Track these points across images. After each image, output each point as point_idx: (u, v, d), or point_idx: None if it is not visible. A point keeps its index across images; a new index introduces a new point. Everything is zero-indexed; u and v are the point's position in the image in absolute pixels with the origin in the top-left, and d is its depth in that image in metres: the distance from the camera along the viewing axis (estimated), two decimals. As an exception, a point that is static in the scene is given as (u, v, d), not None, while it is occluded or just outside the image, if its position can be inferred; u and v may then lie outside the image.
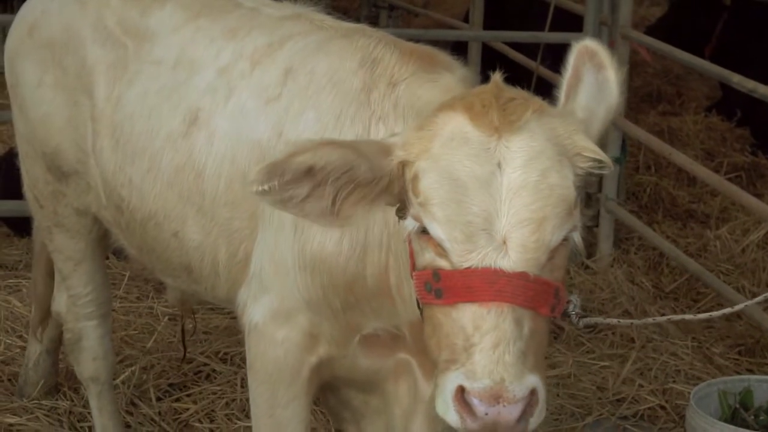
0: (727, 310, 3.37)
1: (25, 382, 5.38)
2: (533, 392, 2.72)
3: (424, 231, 2.84)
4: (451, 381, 2.74)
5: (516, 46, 8.65)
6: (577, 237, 2.87)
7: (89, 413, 5.07)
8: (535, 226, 2.77)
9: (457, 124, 2.85)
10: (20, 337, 5.84)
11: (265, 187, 2.83)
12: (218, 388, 5.50)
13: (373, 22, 10.10)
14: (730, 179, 7.94)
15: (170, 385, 5.56)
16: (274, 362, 3.62)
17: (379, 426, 3.85)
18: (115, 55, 4.10)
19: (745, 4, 9.62)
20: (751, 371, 5.87)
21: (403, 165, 2.89)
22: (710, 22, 9.71)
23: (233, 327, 5.88)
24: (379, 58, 3.51)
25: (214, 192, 3.76)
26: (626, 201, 7.89)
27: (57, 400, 5.37)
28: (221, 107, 3.78)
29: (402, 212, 2.94)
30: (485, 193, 2.77)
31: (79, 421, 5.25)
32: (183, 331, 5.28)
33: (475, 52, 8.91)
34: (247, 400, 3.95)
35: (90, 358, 4.79)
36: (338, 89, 3.51)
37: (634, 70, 10.43)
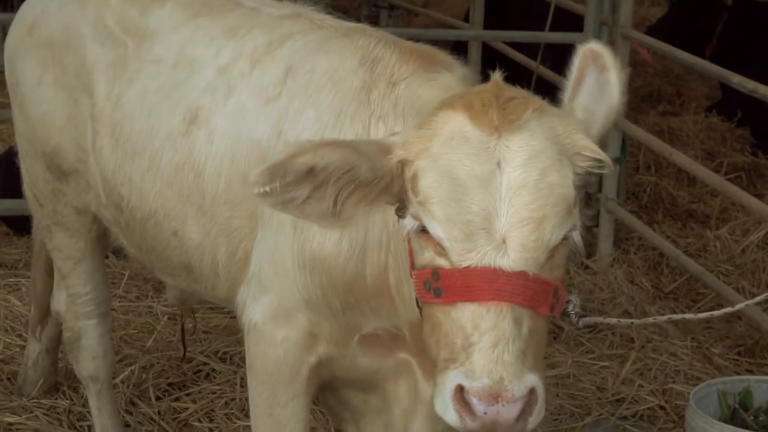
0: (728, 310, 3.37)
1: (25, 381, 5.38)
2: (532, 391, 2.72)
3: (423, 230, 2.84)
4: (450, 380, 2.74)
5: (516, 45, 8.65)
6: (576, 236, 2.87)
7: (88, 412, 5.07)
8: (535, 225, 2.77)
9: (456, 123, 2.85)
10: (19, 335, 5.84)
11: (267, 188, 2.82)
12: (218, 387, 5.50)
13: (374, 21, 10.10)
14: (730, 179, 7.94)
15: (170, 384, 5.56)
16: (274, 362, 3.62)
17: (378, 426, 3.84)
18: (115, 54, 4.10)
19: (745, 4, 9.62)
20: (750, 372, 5.87)
21: (403, 164, 2.89)
22: (710, 22, 9.71)
23: (233, 326, 5.88)
24: (379, 57, 3.51)
25: (213, 191, 3.76)
26: (626, 201, 7.90)
27: (56, 399, 5.37)
28: (221, 106, 3.78)
29: (401, 211, 2.94)
30: (485, 192, 2.77)
31: (78, 420, 5.24)
32: (183, 330, 5.28)
33: (475, 51, 8.91)
34: (247, 399, 3.95)
35: (89, 357, 4.79)
36: (338, 88, 3.51)
37: (635, 70, 10.42)
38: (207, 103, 3.81)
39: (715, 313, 3.42)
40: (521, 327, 2.74)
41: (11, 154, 5.68)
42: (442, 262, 2.81)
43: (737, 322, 6.45)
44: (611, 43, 7.10)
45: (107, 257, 6.12)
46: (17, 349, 5.73)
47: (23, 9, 4.50)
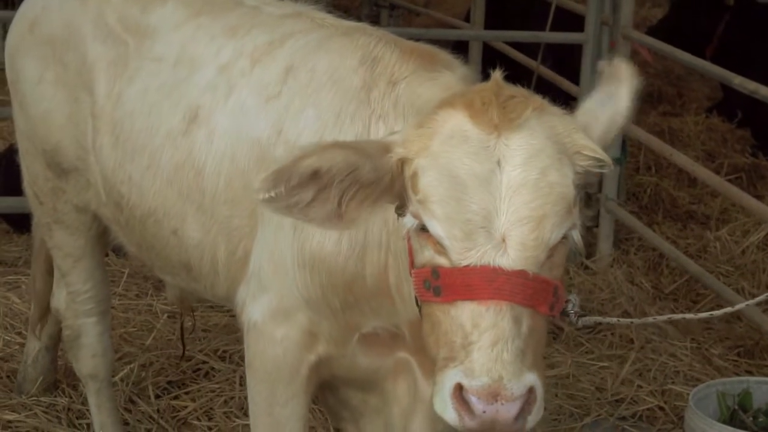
0: (728, 310, 3.37)
1: (24, 379, 5.38)
2: (531, 390, 2.72)
3: (423, 228, 2.84)
4: (449, 379, 2.74)
5: (517, 45, 8.65)
6: (576, 235, 2.87)
7: (88, 410, 5.06)
8: (535, 224, 2.77)
9: (456, 121, 2.85)
10: (19, 333, 5.84)
11: (272, 194, 2.83)
12: (217, 386, 5.50)
13: (375, 21, 10.10)
14: (730, 180, 7.94)
15: (169, 382, 5.56)
16: (273, 361, 3.62)
17: (377, 425, 3.84)
18: (116, 52, 4.10)
19: (746, 5, 9.61)
20: (750, 373, 5.87)
21: (403, 162, 2.89)
22: (711, 23, 9.70)
23: (232, 325, 5.88)
24: (380, 56, 3.51)
25: (213, 190, 3.76)
26: (626, 201, 7.89)
27: (56, 397, 5.37)
28: (221, 105, 3.78)
29: (401, 210, 2.94)
30: (485, 191, 2.77)
31: (77, 418, 5.24)
32: (182, 328, 5.28)
33: (476, 51, 8.91)
34: (246, 398, 3.95)
35: (89, 355, 4.79)
36: (338, 87, 3.51)
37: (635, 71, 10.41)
38: (207, 101, 3.81)
39: (715, 313, 3.42)
40: (520, 326, 2.74)
41: (11, 152, 5.68)
42: (441, 261, 2.81)
43: (737, 323, 6.45)
44: (612, 44, 7.11)
45: (107, 255, 6.12)
46: (17, 346, 5.73)
47: (24, 6, 4.50)
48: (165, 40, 4.02)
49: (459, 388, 2.71)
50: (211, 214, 3.78)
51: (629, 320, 3.56)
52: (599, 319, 3.34)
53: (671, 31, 9.47)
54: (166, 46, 4.00)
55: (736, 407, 4.75)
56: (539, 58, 7.72)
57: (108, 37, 4.13)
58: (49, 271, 5.08)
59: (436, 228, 2.80)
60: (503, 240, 2.76)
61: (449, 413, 2.74)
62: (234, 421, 5.23)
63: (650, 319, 3.47)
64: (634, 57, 8.31)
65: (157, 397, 5.43)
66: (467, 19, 9.65)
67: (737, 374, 5.81)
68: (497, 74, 2.97)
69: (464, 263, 2.76)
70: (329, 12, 3.92)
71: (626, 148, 7.73)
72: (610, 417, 5.48)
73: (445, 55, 3.51)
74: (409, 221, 2.88)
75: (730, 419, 4.71)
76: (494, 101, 2.85)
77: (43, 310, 5.22)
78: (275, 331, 3.59)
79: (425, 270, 2.85)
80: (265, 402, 3.69)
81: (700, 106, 10.43)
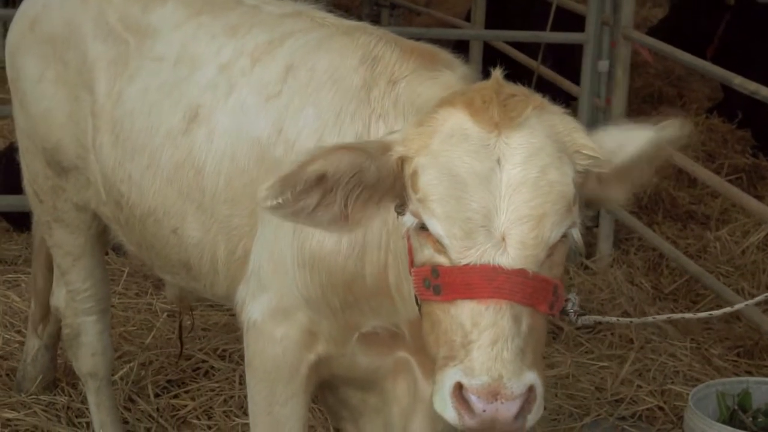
0: (727, 310, 3.37)
1: (24, 377, 5.38)
2: (531, 389, 2.72)
3: (422, 227, 2.84)
4: (449, 377, 2.74)
5: (517, 45, 8.66)
6: (576, 234, 2.87)
7: (87, 409, 5.06)
8: (534, 222, 2.77)
9: (456, 120, 2.85)
10: (18, 332, 5.84)
11: (279, 200, 2.83)
12: (216, 385, 5.50)
13: (375, 20, 10.09)
14: (730, 181, 7.94)
15: (168, 381, 5.56)
16: (273, 360, 3.62)
17: (377, 424, 3.84)
18: (117, 51, 4.10)
19: (747, 5, 9.61)
20: (749, 373, 5.87)
21: (403, 160, 2.89)
22: (712, 23, 9.69)
23: (232, 324, 5.87)
24: (380, 55, 3.51)
25: (213, 189, 3.76)
26: (626, 201, 7.87)
27: (55, 395, 5.36)
28: (222, 104, 3.78)
29: (401, 208, 2.94)
30: (484, 190, 2.77)
31: (77, 417, 5.24)
32: (180, 327, 5.28)
33: (476, 51, 8.91)
34: (246, 397, 3.95)
35: (89, 354, 4.79)
36: (338, 86, 3.51)
37: (636, 71, 10.42)
38: (207, 100, 3.81)
39: (715, 312, 3.42)
40: (520, 325, 2.74)
41: (12, 150, 5.68)
42: (441, 260, 2.81)
43: (736, 323, 6.45)
44: (612, 44, 7.11)
45: (107, 254, 6.12)
46: (16, 345, 5.73)
47: (25, 5, 4.50)
48: (165, 39, 4.02)
49: (459, 387, 2.71)
50: (211, 213, 3.78)
51: (629, 320, 3.56)
52: (599, 318, 3.34)
53: (672, 31, 9.46)
54: (166, 45, 4.01)
55: (736, 407, 4.74)
56: (540, 58, 7.73)
57: (109, 36, 4.13)
58: (50, 270, 5.08)
59: (435, 227, 2.80)
60: (503, 239, 2.76)
61: (449, 412, 2.74)
62: (234, 420, 5.23)
63: (650, 319, 3.47)
64: (635, 57, 8.32)
65: (157, 395, 5.43)
66: (468, 18, 9.65)
67: (737, 374, 5.81)
68: (498, 73, 2.97)
69: (464, 262, 2.76)
70: (330, 11, 3.93)
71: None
72: (610, 417, 5.48)
73: (445, 55, 3.51)
74: (408, 220, 2.88)
75: (730, 419, 4.71)
76: (495, 99, 2.85)
77: (45, 309, 5.22)
78: (275, 330, 3.59)
79: (425, 269, 2.84)
80: (265, 401, 3.69)
81: (700, 107, 10.43)
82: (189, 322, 5.37)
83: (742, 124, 9.64)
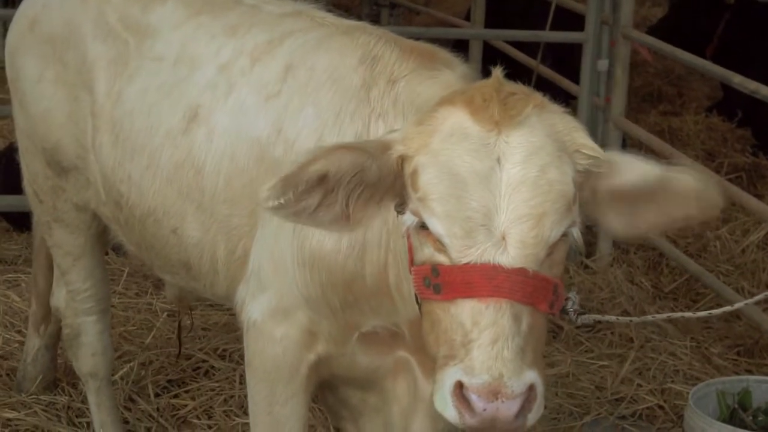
0: (727, 308, 3.37)
1: (24, 377, 5.38)
2: (531, 388, 2.72)
3: (423, 226, 2.84)
4: (449, 376, 2.74)
5: (517, 44, 8.66)
6: (576, 233, 2.87)
7: (87, 409, 5.06)
8: (534, 221, 2.77)
9: (457, 119, 2.85)
10: (19, 331, 5.84)
11: (281, 201, 2.83)
12: (216, 384, 5.50)
13: (375, 20, 10.09)
14: (730, 180, 7.94)
15: (168, 381, 5.56)
16: (273, 359, 3.62)
17: (377, 424, 3.84)
18: (116, 51, 4.10)
19: (747, 4, 9.61)
20: (749, 372, 5.87)
21: (403, 160, 2.89)
22: (712, 22, 9.69)
23: (232, 324, 5.87)
24: (380, 55, 3.51)
25: (213, 189, 3.76)
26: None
27: (55, 395, 5.36)
28: (221, 104, 3.78)
29: (401, 207, 2.94)
30: (484, 189, 2.77)
31: (77, 417, 5.24)
32: (179, 327, 5.28)
33: (476, 50, 8.92)
34: (246, 396, 3.95)
35: (89, 354, 4.79)
36: (338, 86, 3.51)
37: (635, 70, 10.42)
38: (207, 100, 3.81)
39: (714, 311, 3.42)
40: (520, 324, 2.74)
41: (11, 150, 5.68)
42: (441, 259, 2.81)
43: (736, 321, 6.45)
44: (612, 43, 7.11)
45: (107, 254, 6.12)
46: (16, 345, 5.73)
47: (24, 5, 4.50)
48: (165, 39, 4.02)
49: (459, 386, 2.71)
50: (211, 213, 3.78)
51: (628, 318, 3.56)
52: (598, 317, 3.34)
53: (671, 30, 9.47)
54: (166, 45, 4.00)
55: (736, 406, 4.74)
56: (539, 57, 7.73)
57: (108, 36, 4.13)
58: (51, 270, 5.08)
59: (435, 226, 2.80)
60: (503, 238, 2.76)
61: (449, 411, 2.74)
62: (234, 420, 5.23)
63: (650, 318, 3.47)
64: (634, 56, 8.32)
65: (157, 395, 5.43)
66: (467, 17, 9.66)
67: (737, 373, 5.81)
68: (498, 71, 2.97)
69: (464, 261, 2.76)
70: (329, 11, 3.92)
71: (626, 148, 7.73)
72: (610, 416, 5.48)
73: (445, 54, 3.51)
74: (408, 219, 2.88)
75: (730, 418, 4.71)
76: (495, 98, 2.85)
77: (46, 309, 5.21)
78: (275, 330, 3.59)
79: (425, 267, 2.84)
80: (265, 401, 3.69)
81: (700, 106, 10.43)
82: (189, 322, 5.37)
83: (741, 123, 9.65)
